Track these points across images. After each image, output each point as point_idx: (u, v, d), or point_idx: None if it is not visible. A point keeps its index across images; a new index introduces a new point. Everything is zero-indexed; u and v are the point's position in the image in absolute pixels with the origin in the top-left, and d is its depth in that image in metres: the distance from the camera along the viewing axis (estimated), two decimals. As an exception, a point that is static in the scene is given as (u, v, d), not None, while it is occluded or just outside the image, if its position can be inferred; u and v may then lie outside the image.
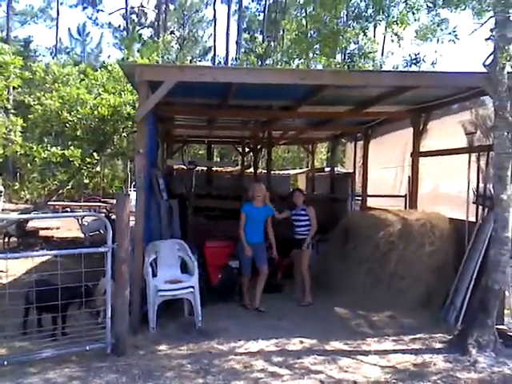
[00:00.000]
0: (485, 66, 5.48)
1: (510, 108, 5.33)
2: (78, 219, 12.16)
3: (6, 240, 11.17)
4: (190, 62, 37.57)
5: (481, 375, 4.66)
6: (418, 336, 5.72)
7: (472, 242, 6.35)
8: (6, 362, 4.44)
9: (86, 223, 12.07)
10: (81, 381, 4.30)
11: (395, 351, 5.27)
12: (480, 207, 6.54)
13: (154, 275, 6.00)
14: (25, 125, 11.15)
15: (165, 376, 4.47)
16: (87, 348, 4.79)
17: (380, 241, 7.13)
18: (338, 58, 22.05)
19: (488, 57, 5.43)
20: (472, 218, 6.67)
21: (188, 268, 6.28)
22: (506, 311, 6.03)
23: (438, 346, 5.44)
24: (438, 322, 6.14)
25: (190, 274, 6.11)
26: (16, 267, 8.45)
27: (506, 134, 5.29)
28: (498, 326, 5.43)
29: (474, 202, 6.66)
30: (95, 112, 11.69)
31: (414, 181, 8.65)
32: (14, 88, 11.60)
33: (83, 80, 13.18)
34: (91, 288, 5.25)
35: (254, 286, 6.80)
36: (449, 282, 6.51)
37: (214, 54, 39.83)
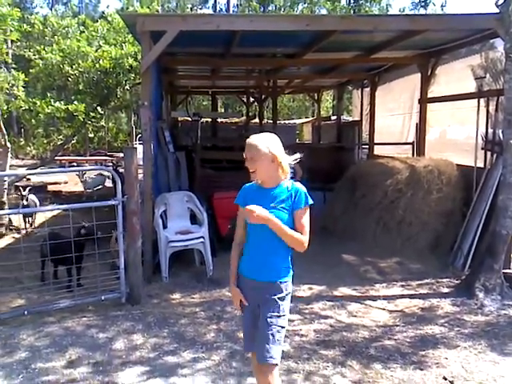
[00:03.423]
0: (497, 5, 5.30)
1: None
2: (78, 175, 12.19)
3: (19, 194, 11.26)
4: (191, 9, 36.52)
5: (487, 318, 4.77)
6: (425, 281, 5.82)
7: (480, 187, 6.35)
8: (26, 312, 4.60)
9: (90, 179, 12.12)
10: (98, 328, 4.45)
11: (403, 296, 5.38)
12: (488, 153, 6.50)
13: (165, 227, 6.09)
14: (27, 79, 11.01)
15: (179, 323, 4.60)
16: (103, 298, 4.94)
17: (388, 188, 7.15)
18: (343, 1, 21.41)
19: (500, -4, 5.25)
20: (480, 164, 6.65)
21: (197, 219, 6.36)
22: (512, 255, 6.10)
23: (446, 290, 5.55)
24: (445, 267, 6.23)
25: (200, 224, 6.20)
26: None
27: (517, 77, 5.18)
28: (504, 270, 5.50)
29: (482, 148, 6.61)
30: (97, 65, 11.51)
31: (421, 127, 8.56)
32: (12, 42, 11.32)
33: (83, 32, 12.90)
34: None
35: None
36: (456, 228, 6.58)
37: (215, 1, 38.68)
